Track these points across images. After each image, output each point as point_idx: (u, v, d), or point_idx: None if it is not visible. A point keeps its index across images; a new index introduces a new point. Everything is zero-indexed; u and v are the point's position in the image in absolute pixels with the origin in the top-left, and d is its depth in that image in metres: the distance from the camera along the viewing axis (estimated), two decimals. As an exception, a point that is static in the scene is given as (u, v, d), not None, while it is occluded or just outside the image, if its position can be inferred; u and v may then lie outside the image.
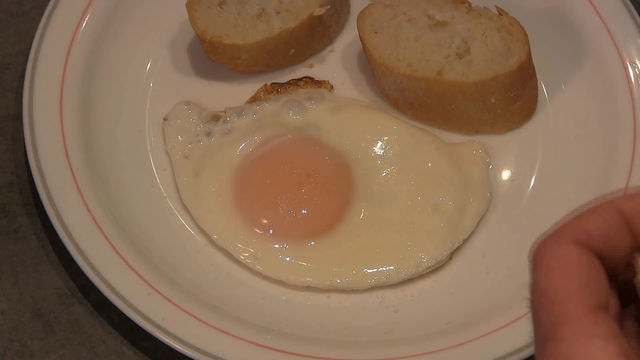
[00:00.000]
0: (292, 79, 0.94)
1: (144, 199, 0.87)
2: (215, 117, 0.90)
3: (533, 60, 0.90)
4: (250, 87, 0.93)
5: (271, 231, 0.85)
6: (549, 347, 0.48)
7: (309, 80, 0.94)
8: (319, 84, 0.94)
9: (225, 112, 0.91)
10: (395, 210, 0.86)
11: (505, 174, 0.91)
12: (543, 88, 0.94)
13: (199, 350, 0.76)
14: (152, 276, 0.80)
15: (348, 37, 0.97)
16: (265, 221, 0.85)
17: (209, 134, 0.90)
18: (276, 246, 0.85)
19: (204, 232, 0.86)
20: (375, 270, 0.84)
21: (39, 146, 0.85)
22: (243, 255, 0.84)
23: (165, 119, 0.91)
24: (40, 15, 0.92)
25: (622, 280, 0.52)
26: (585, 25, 0.95)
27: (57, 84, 0.88)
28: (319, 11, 0.91)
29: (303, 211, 0.85)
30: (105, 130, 0.90)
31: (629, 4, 0.95)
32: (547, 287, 0.49)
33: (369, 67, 0.93)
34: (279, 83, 0.93)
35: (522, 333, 0.78)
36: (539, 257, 0.50)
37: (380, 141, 0.89)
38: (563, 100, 0.94)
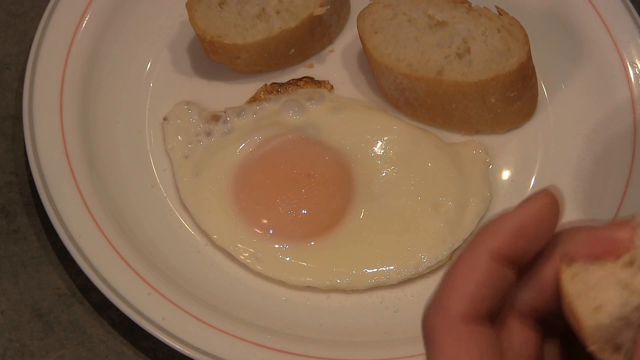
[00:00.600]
0: (292, 79, 0.94)
1: (144, 199, 0.87)
2: (215, 117, 0.90)
3: (533, 60, 0.90)
4: (250, 87, 0.93)
5: (271, 231, 0.85)
6: None
7: (309, 80, 0.94)
8: (319, 84, 0.94)
9: (225, 112, 0.91)
10: (395, 210, 0.86)
11: (505, 174, 0.91)
12: (543, 88, 0.94)
13: (199, 350, 0.76)
14: (152, 276, 0.80)
15: (348, 37, 0.97)
16: (265, 221, 0.85)
17: (209, 134, 0.90)
18: (276, 246, 0.85)
19: (204, 232, 0.86)
20: (375, 270, 0.84)
21: (39, 146, 0.85)
22: (243, 255, 0.84)
23: (165, 119, 0.91)
24: (40, 15, 0.92)
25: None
26: (585, 25, 0.95)
27: (57, 84, 0.88)
28: (319, 11, 0.91)
29: (303, 211, 0.85)
30: (105, 130, 0.90)
31: (629, 4, 0.95)
32: None
33: (369, 67, 0.93)
34: (279, 83, 0.93)
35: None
36: (430, 336, 0.49)
37: (380, 141, 0.89)
38: (563, 100, 0.94)
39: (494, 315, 0.51)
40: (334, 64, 0.96)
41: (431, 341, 0.50)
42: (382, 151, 0.89)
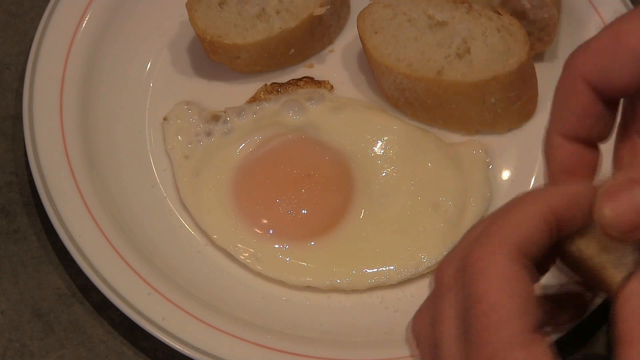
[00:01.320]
0: (292, 79, 0.94)
1: (144, 199, 0.87)
2: (215, 117, 0.90)
3: (533, 60, 0.90)
4: (250, 87, 0.93)
5: (271, 231, 0.85)
6: None
7: (309, 80, 0.94)
8: (319, 84, 0.94)
9: (225, 112, 0.91)
10: (395, 210, 0.86)
11: (505, 174, 0.91)
12: (543, 88, 0.94)
13: (199, 350, 0.76)
14: (152, 276, 0.80)
15: (348, 37, 0.97)
16: (265, 221, 0.85)
17: (209, 134, 0.90)
18: (276, 246, 0.85)
19: (204, 232, 0.86)
20: (375, 270, 0.84)
21: (39, 146, 0.85)
22: (243, 255, 0.84)
23: (165, 119, 0.91)
24: (40, 15, 0.92)
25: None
26: (585, 25, 0.95)
27: (57, 84, 0.88)
28: (319, 11, 0.91)
29: (303, 211, 0.85)
30: (105, 130, 0.90)
31: (629, 4, 0.95)
32: (488, 307, 0.49)
33: (369, 67, 0.93)
34: (279, 83, 0.93)
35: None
36: (476, 268, 0.50)
37: (380, 141, 0.89)
38: (563, 100, 0.94)
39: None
40: (334, 64, 0.96)
41: (475, 276, 0.50)
42: (382, 151, 0.89)
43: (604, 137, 0.58)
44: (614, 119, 0.58)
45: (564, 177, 0.57)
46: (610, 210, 0.49)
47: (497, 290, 0.49)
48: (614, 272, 0.51)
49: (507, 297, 0.48)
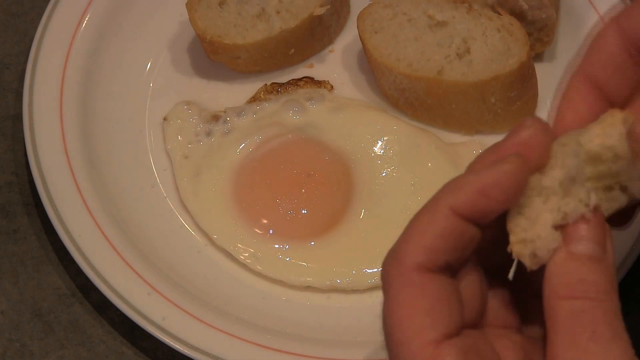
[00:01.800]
0: (292, 79, 0.94)
1: (144, 199, 0.87)
2: (215, 117, 0.90)
3: (533, 60, 0.90)
4: (250, 87, 0.93)
5: (271, 231, 0.85)
6: None
7: (309, 80, 0.94)
8: (319, 84, 0.94)
9: (225, 112, 0.91)
10: (395, 210, 0.86)
11: (505, 174, 0.91)
12: (543, 88, 0.94)
13: (199, 350, 0.76)
14: (152, 276, 0.80)
15: (348, 37, 0.97)
16: (265, 221, 0.85)
17: (209, 134, 0.90)
18: (276, 246, 0.85)
19: (204, 232, 0.86)
20: (375, 270, 0.84)
21: (39, 146, 0.85)
22: (243, 255, 0.84)
23: (165, 119, 0.91)
24: (40, 15, 0.92)
25: None
26: (585, 25, 0.95)
27: (57, 84, 0.88)
28: (319, 11, 0.91)
29: (303, 211, 0.85)
30: (105, 130, 0.90)
31: (629, 4, 0.95)
32: (392, 327, 0.50)
33: (369, 67, 0.93)
34: (279, 83, 0.93)
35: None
36: (385, 285, 0.51)
37: (380, 141, 0.89)
38: (563, 100, 0.94)
39: (456, 267, 0.51)
40: (334, 64, 0.96)
41: (386, 289, 0.51)
42: (382, 151, 0.89)
43: (625, 94, 0.56)
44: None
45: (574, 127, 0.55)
46: None
47: (400, 307, 0.50)
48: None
49: (409, 313, 0.49)
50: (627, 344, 0.47)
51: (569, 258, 0.49)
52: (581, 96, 0.56)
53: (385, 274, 0.52)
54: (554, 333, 0.47)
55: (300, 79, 0.94)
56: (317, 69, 0.95)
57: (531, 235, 0.50)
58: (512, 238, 0.51)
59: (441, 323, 0.49)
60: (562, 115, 0.56)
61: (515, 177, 0.50)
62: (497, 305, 0.55)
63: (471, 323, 0.52)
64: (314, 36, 0.94)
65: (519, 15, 0.90)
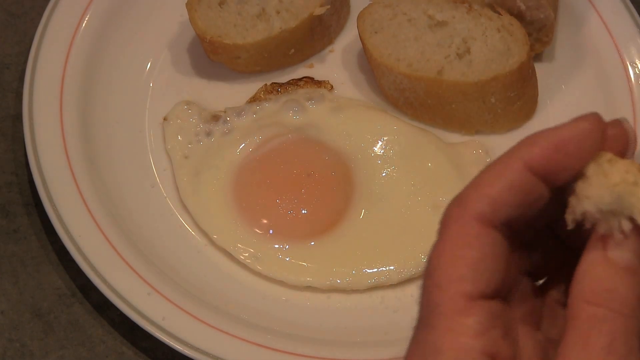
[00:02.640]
0: (292, 79, 0.94)
1: (144, 199, 0.87)
2: (215, 117, 0.90)
3: (533, 60, 0.90)
4: (250, 87, 0.93)
5: (271, 231, 0.85)
6: (422, 333, 0.49)
7: (309, 80, 0.94)
8: (319, 84, 0.94)
9: (225, 112, 0.91)
10: (395, 210, 0.86)
11: (505, 174, 0.91)
12: (543, 88, 0.94)
13: (199, 350, 0.76)
14: (152, 276, 0.80)
15: (348, 37, 0.97)
16: (265, 221, 0.85)
17: (209, 134, 0.90)
18: (276, 246, 0.85)
19: (204, 232, 0.86)
20: (375, 270, 0.84)
21: (39, 146, 0.85)
22: (243, 255, 0.84)
23: (165, 119, 0.91)
24: (40, 15, 0.92)
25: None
26: (585, 25, 0.95)
27: (57, 84, 0.88)
28: (319, 11, 0.91)
29: (303, 211, 0.85)
30: (105, 130, 0.90)
31: (629, 4, 0.95)
32: (435, 267, 0.49)
33: (369, 67, 0.93)
34: (279, 83, 0.93)
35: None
36: (442, 226, 0.50)
37: (380, 141, 0.89)
38: (563, 100, 0.94)
39: (519, 231, 0.50)
40: (334, 64, 0.96)
41: (442, 229, 0.50)
42: (382, 151, 0.89)
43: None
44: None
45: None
46: None
47: (450, 250, 0.49)
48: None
49: (453, 261, 0.48)
50: None
51: (603, 262, 0.47)
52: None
53: (445, 216, 0.50)
54: (571, 333, 0.47)
55: (300, 79, 0.94)
56: (317, 69, 0.95)
57: (592, 193, 0.49)
58: (574, 198, 0.49)
59: (483, 280, 0.48)
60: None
61: (593, 134, 0.49)
62: (524, 297, 0.54)
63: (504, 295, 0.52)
64: (314, 36, 0.94)
65: (517, 16, 0.90)
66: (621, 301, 0.46)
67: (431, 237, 0.88)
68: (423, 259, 0.84)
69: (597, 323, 0.46)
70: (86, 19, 0.92)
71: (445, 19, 0.90)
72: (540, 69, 0.92)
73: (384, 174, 0.88)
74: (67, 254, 0.81)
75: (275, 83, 0.93)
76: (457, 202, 0.50)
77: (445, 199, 0.86)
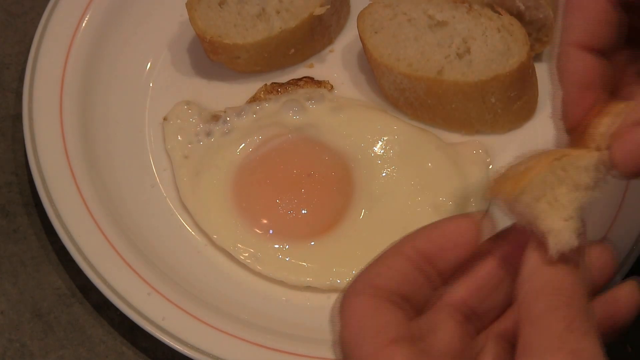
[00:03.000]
0: (292, 79, 0.94)
1: (144, 199, 0.87)
2: (215, 117, 0.90)
3: (533, 60, 0.90)
4: (250, 87, 0.93)
5: (271, 231, 0.85)
6: None
7: (309, 80, 0.94)
8: (319, 84, 0.94)
9: (225, 112, 0.91)
10: (395, 210, 0.86)
11: (506, 174, 0.91)
12: (543, 88, 0.94)
13: (199, 350, 0.76)
14: (152, 276, 0.80)
15: (348, 37, 0.97)
16: (265, 221, 0.85)
17: (209, 134, 0.90)
18: (276, 246, 0.85)
19: (204, 232, 0.86)
20: (376, 270, 0.84)
21: (39, 146, 0.85)
22: (243, 255, 0.84)
23: (165, 119, 0.91)
24: (40, 15, 0.92)
25: None
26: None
27: (57, 84, 0.89)
28: (319, 11, 0.91)
29: (303, 211, 0.85)
30: (105, 130, 0.90)
31: (629, 4, 0.95)
32: (348, 335, 0.52)
33: (369, 67, 0.93)
34: (279, 83, 0.93)
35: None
36: (341, 310, 0.53)
37: (380, 141, 0.89)
38: (563, 100, 0.94)
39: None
40: (334, 64, 0.96)
41: (341, 315, 0.53)
42: (382, 151, 0.89)
43: (617, 47, 0.57)
44: (626, 27, 0.57)
45: (580, 92, 0.57)
46: (619, 151, 0.52)
47: (353, 322, 0.52)
48: None
49: (361, 324, 0.52)
50: (599, 343, 0.48)
51: (546, 262, 0.51)
52: (575, 64, 0.57)
53: (342, 301, 0.54)
54: (528, 325, 0.49)
55: (300, 79, 0.94)
56: (317, 69, 0.95)
57: None
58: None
59: (394, 330, 0.51)
60: (570, 96, 0.57)
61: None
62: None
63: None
64: (314, 36, 0.94)
65: (517, 16, 0.90)
66: (571, 289, 0.50)
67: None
68: (423, 259, 0.84)
69: (553, 310, 0.49)
70: (86, 19, 0.92)
71: (445, 19, 0.90)
72: (540, 69, 0.92)
73: (384, 174, 0.88)
74: (67, 254, 0.81)
75: (275, 83, 0.93)
76: (350, 288, 0.55)
77: (445, 199, 0.86)
